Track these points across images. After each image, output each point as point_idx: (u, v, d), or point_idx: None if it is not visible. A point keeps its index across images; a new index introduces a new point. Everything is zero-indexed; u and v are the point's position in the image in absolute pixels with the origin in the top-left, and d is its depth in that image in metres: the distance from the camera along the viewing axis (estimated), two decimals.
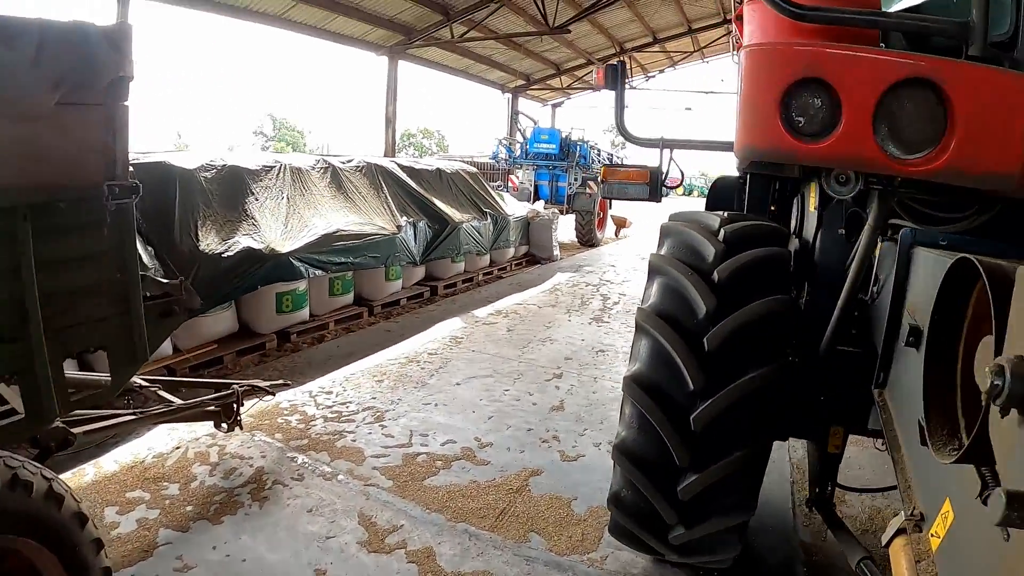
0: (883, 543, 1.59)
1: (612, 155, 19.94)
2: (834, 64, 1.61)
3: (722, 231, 2.61)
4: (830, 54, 1.63)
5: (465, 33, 15.88)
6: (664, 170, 2.41)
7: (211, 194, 5.42)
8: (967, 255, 1.12)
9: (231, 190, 5.67)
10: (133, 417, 2.89)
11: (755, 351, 2.30)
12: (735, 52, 6.74)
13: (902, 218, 1.94)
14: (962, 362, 1.18)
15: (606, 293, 9.83)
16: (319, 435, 4.26)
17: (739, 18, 2.18)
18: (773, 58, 1.69)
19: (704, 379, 2.27)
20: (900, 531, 1.53)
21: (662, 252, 2.66)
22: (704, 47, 23.67)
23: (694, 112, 27.66)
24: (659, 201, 2.64)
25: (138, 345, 2.29)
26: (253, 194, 5.86)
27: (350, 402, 4.84)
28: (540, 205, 12.94)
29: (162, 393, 3.35)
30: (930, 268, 1.72)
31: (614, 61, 2.39)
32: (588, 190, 15.42)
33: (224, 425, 3.57)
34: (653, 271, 2.57)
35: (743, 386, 2.24)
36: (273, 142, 54.61)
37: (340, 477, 3.74)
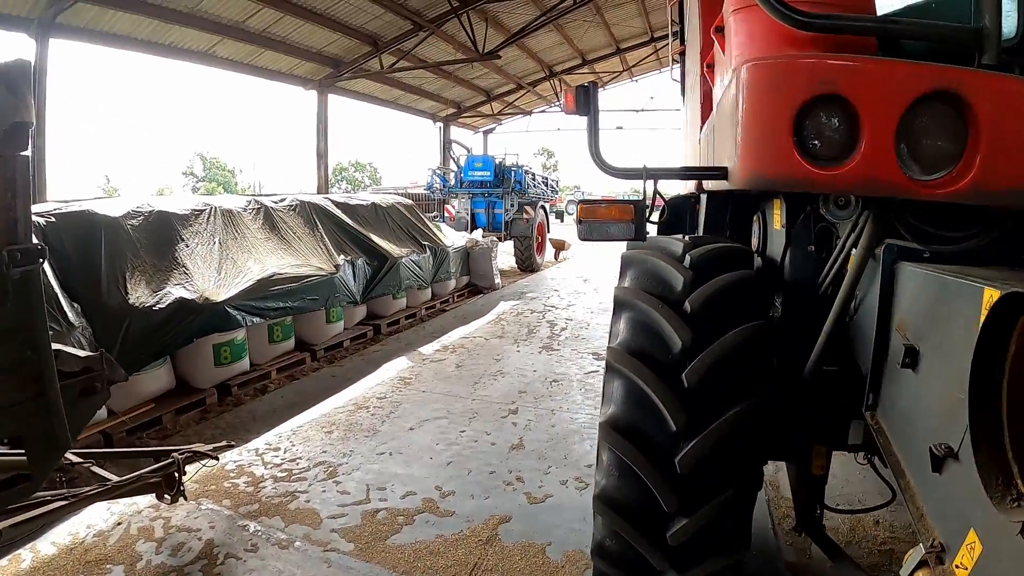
0: None
1: (547, 178, 19.97)
2: (853, 78, 1.45)
3: (687, 257, 2.48)
4: (848, 67, 1.47)
5: (394, 63, 15.74)
6: (648, 204, 2.23)
7: (139, 243, 5.10)
8: (1017, 290, 1.03)
9: (160, 237, 5.35)
10: (66, 502, 2.59)
11: (737, 382, 2.18)
12: (673, 67, 6.79)
13: (897, 237, 1.82)
14: (1009, 402, 1.10)
15: (552, 320, 9.74)
16: (270, 498, 3.97)
17: (718, 30, 2.03)
18: (783, 73, 1.51)
19: (686, 418, 2.12)
20: (922, 563, 1.45)
21: (625, 284, 2.51)
22: (632, 66, 24.18)
23: (625, 131, 28.00)
24: (644, 240, 2.45)
25: (58, 432, 2.00)
26: (183, 240, 5.54)
27: (300, 458, 4.56)
28: (478, 234, 12.84)
29: (96, 469, 3.04)
30: (920, 284, 1.64)
31: (585, 82, 2.19)
32: (525, 215, 15.41)
33: (167, 496, 3.27)
34: (620, 305, 2.41)
35: (729, 421, 2.11)
36: (204, 183, 53.32)
37: (297, 544, 3.47)
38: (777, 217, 2.56)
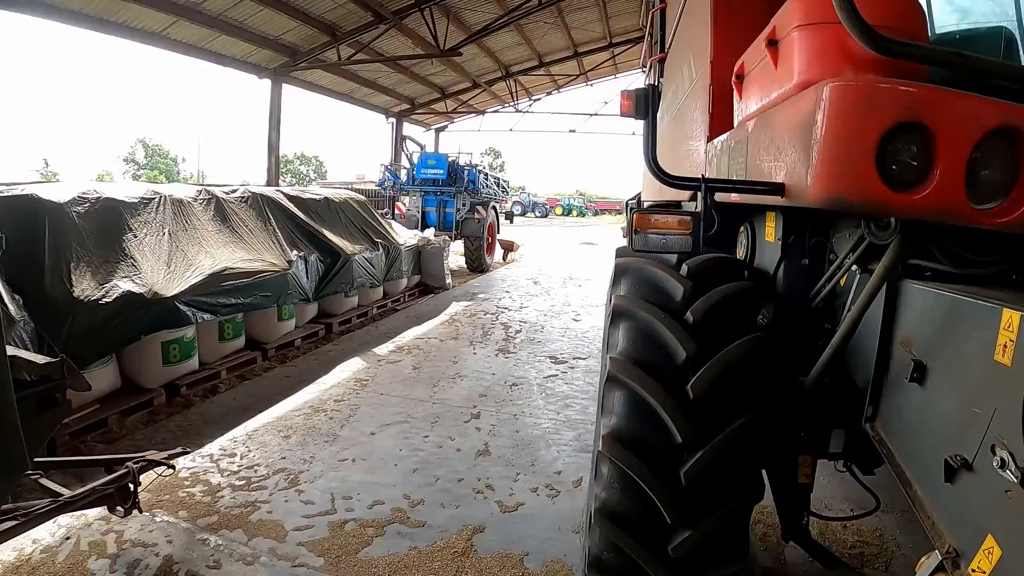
0: None
1: (499, 179, 19.82)
2: (936, 107, 1.45)
3: (684, 266, 2.49)
4: (932, 96, 1.46)
5: (352, 55, 15.30)
6: (704, 217, 2.16)
7: (85, 232, 4.73)
8: None
9: (107, 227, 4.98)
10: (15, 523, 2.31)
11: (741, 394, 2.19)
12: (648, 69, 6.84)
13: (928, 259, 1.81)
14: None
15: (506, 322, 9.63)
16: (229, 508, 3.70)
17: (772, 43, 1.97)
18: (871, 97, 1.48)
19: (692, 431, 2.12)
20: (939, 568, 1.51)
21: (621, 292, 2.51)
22: (589, 71, 24.31)
23: (577, 134, 28.22)
24: (700, 252, 2.41)
25: (14, 452, 1.74)
26: (131, 230, 5.18)
27: (258, 464, 4.29)
28: (430, 232, 12.61)
29: (45, 481, 2.75)
30: (927, 302, 1.70)
31: (644, 85, 2.10)
32: (477, 215, 15.28)
33: (120, 509, 2.99)
34: (620, 314, 2.40)
35: (734, 433, 2.13)
36: (145, 170, 51.41)
37: (263, 559, 3.23)
38: (770, 230, 2.58)
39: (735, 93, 2.49)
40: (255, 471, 4.20)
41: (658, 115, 5.44)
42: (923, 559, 1.58)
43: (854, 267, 2.11)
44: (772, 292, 2.58)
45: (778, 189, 1.82)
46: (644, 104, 2.10)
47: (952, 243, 1.75)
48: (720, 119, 2.51)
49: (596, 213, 65.31)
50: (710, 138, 2.74)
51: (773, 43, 1.97)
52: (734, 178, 2.23)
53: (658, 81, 5.18)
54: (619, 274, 2.65)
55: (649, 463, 2.15)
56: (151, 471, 3.27)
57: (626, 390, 2.24)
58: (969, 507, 1.43)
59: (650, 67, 5.53)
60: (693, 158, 3.51)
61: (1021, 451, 1.25)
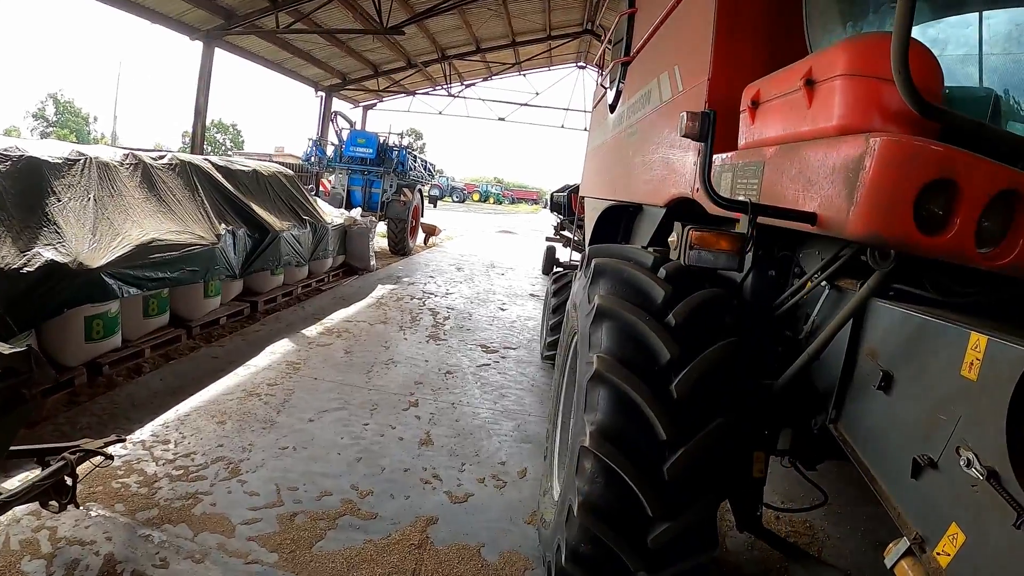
0: (888, 565, 1.74)
1: (427, 162, 19.46)
2: (966, 168, 1.68)
3: (662, 270, 2.66)
4: (963, 158, 1.68)
5: (291, 24, 14.63)
6: (750, 238, 2.26)
7: (5, 192, 4.29)
8: None
9: (28, 188, 4.53)
10: None
11: (718, 395, 2.35)
12: (601, 69, 6.90)
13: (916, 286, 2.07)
14: None
15: (433, 308, 9.53)
16: (170, 501, 3.45)
17: (809, 83, 2.11)
18: (917, 154, 1.68)
19: (675, 429, 2.26)
20: (907, 552, 1.70)
21: (601, 292, 2.63)
22: (524, 61, 24.30)
23: (507, 122, 28.26)
24: (741, 271, 2.52)
25: None
26: (55, 194, 4.71)
27: (195, 453, 4.03)
28: (356, 212, 12.27)
29: None
30: (895, 320, 1.92)
31: (699, 108, 2.18)
32: (403, 197, 14.98)
33: (55, 504, 2.72)
34: (603, 315, 2.51)
35: (713, 432, 2.28)
36: (55, 128, 47.78)
37: (213, 556, 3.03)
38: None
39: (747, 116, 2.60)
40: (192, 460, 3.94)
41: (614, 117, 5.50)
42: (891, 545, 1.75)
43: (824, 283, 2.32)
44: (739, 299, 2.74)
45: (810, 218, 1.98)
46: (704, 127, 2.20)
47: (936, 274, 2.01)
48: (718, 136, 2.63)
49: (512, 201, 65.66)
50: (708, 155, 2.87)
51: (811, 83, 2.10)
52: (740, 198, 2.36)
53: (618, 84, 5.22)
54: (598, 274, 2.75)
55: (633, 459, 2.26)
56: (86, 461, 2.99)
57: (612, 388, 2.32)
58: (934, 499, 1.63)
59: (611, 68, 5.55)
60: (663, 166, 3.62)
61: (985, 453, 1.45)
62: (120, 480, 3.60)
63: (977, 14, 2.22)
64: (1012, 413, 1.37)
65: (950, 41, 2.28)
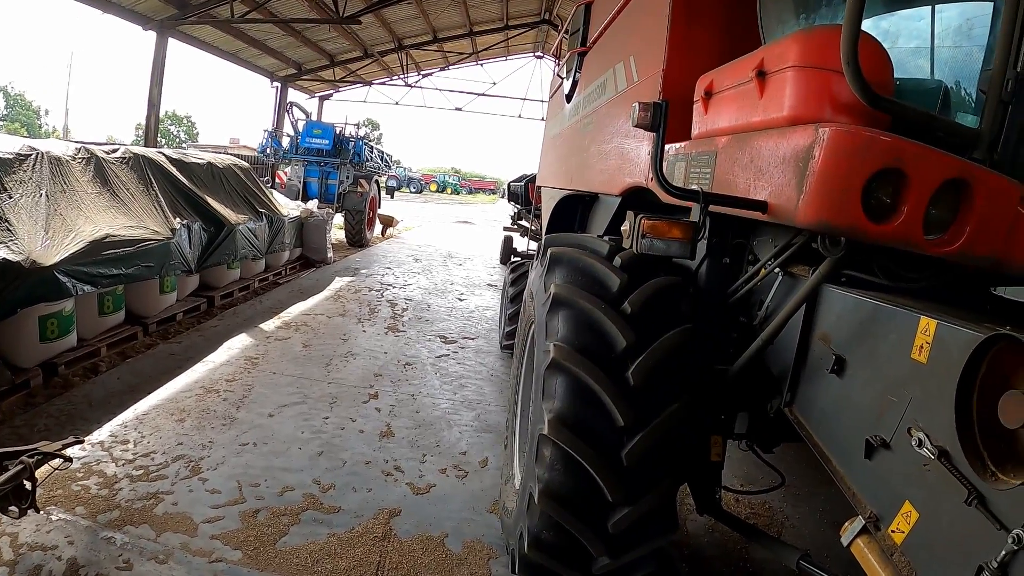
0: (844, 543, 1.80)
1: (383, 152, 19.27)
2: (913, 157, 1.73)
3: (618, 259, 2.69)
4: (911, 147, 1.73)
5: (246, 13, 14.32)
6: (701, 226, 2.30)
7: None
8: (1015, 335, 1.30)
9: None
10: None
11: (674, 381, 2.38)
12: (558, 59, 6.97)
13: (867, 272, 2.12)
14: (978, 409, 1.40)
15: (392, 299, 9.52)
16: (131, 502, 3.43)
17: (761, 74, 2.14)
18: (866, 144, 1.73)
19: (633, 415, 2.29)
20: (863, 531, 1.76)
21: (557, 281, 2.63)
22: (481, 51, 24.17)
23: (464, 112, 28.18)
24: (693, 259, 2.53)
25: None
26: (6, 190, 4.60)
27: (154, 452, 4.00)
28: (313, 204, 12.15)
29: None
30: (847, 305, 1.98)
31: (653, 99, 2.20)
32: (360, 189, 14.85)
33: (14, 509, 2.70)
34: (560, 303, 2.52)
35: (670, 417, 2.31)
36: (5, 122, 45.97)
37: (176, 556, 3.03)
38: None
39: (700, 106, 2.65)
40: (152, 459, 3.92)
41: (571, 107, 5.56)
42: (847, 524, 1.81)
43: (777, 270, 2.37)
44: (694, 286, 2.79)
45: (761, 206, 2.02)
46: (656, 118, 2.21)
47: (886, 261, 2.05)
48: (672, 127, 2.67)
49: (470, 191, 65.50)
50: (662, 145, 2.93)
51: (762, 74, 2.15)
52: (693, 187, 2.39)
53: (575, 74, 5.27)
54: (554, 263, 2.75)
55: (592, 445, 2.28)
56: (45, 464, 2.97)
57: (569, 376, 2.35)
58: (887, 479, 1.69)
59: (568, 58, 5.61)
60: (618, 156, 3.67)
61: (935, 433, 1.51)
62: (80, 482, 3.57)
63: (930, 8, 2.27)
64: (961, 394, 1.41)
65: (903, 34, 2.34)
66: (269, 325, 7.40)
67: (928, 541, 1.53)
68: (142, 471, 3.76)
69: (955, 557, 1.43)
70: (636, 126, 2.24)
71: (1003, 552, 1.29)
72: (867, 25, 2.29)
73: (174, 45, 14.64)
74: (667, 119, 2.21)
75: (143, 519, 3.30)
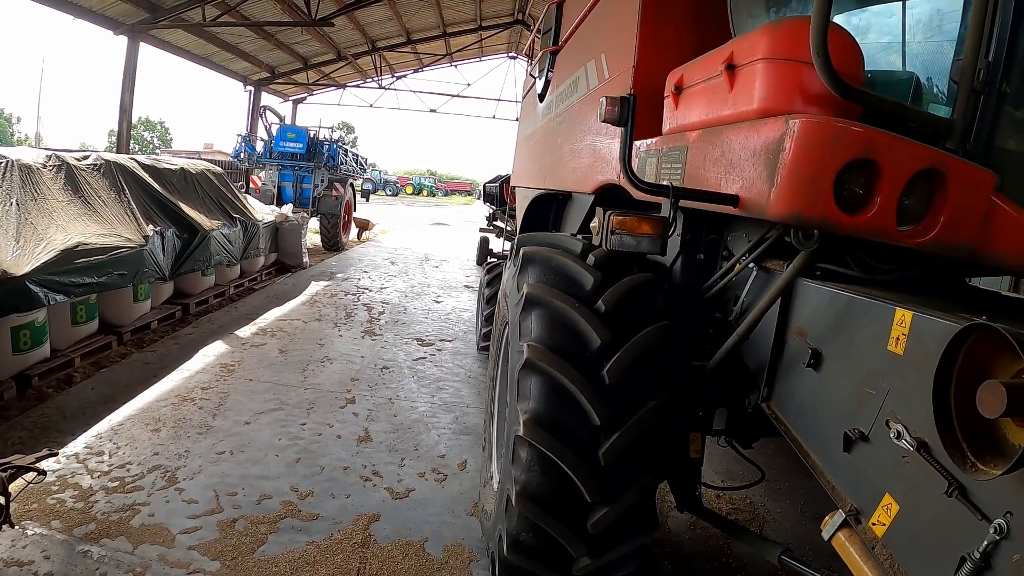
0: (826, 537, 1.80)
1: (358, 155, 19.14)
2: (886, 148, 1.70)
3: (591, 257, 2.68)
4: (883, 138, 1.71)
5: (218, 17, 14.21)
6: (672, 222, 2.26)
7: None
8: (991, 325, 1.29)
9: None
10: None
11: (651, 378, 2.37)
12: (531, 59, 7.02)
13: (842, 265, 2.10)
14: (956, 400, 1.38)
15: (368, 303, 9.51)
16: (107, 514, 3.40)
17: (730, 67, 2.12)
18: (837, 135, 1.70)
19: (609, 413, 2.27)
20: (844, 524, 1.76)
21: (531, 280, 2.61)
22: (455, 52, 24.15)
23: (438, 114, 28.20)
24: (665, 254, 2.52)
25: None
26: None
27: (130, 463, 3.97)
28: (288, 208, 12.08)
29: None
30: (822, 299, 1.98)
31: (627, 94, 2.18)
32: (335, 192, 14.79)
33: None
34: (533, 303, 2.50)
35: (647, 415, 2.30)
36: None
37: (154, 568, 3.02)
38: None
39: (671, 102, 2.63)
40: (128, 470, 3.88)
41: (543, 106, 5.59)
42: (827, 518, 1.81)
43: (751, 265, 2.36)
44: (669, 283, 2.79)
45: (732, 200, 2.00)
46: (624, 112, 2.19)
47: (860, 253, 2.04)
48: (644, 123, 2.64)
49: (446, 193, 65.38)
50: (630, 140, 2.94)
51: (732, 67, 2.13)
52: (664, 182, 2.40)
53: (547, 73, 5.30)
54: (526, 262, 2.73)
55: (569, 445, 2.26)
56: (19, 478, 2.94)
57: (544, 376, 2.33)
58: (867, 472, 1.69)
59: (540, 58, 5.63)
60: (590, 153, 3.66)
61: (914, 425, 1.51)
62: (55, 496, 3.53)
63: (900, 3, 2.27)
64: (938, 385, 1.40)
65: (873, 29, 2.33)
66: (245, 331, 7.37)
67: (910, 533, 1.53)
68: (118, 483, 3.73)
69: (937, 548, 1.44)
70: (604, 121, 2.21)
71: (985, 542, 1.29)
72: (839, 20, 2.32)
73: (146, 50, 14.52)
74: (635, 113, 2.19)
75: (120, 531, 3.27)
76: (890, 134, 1.72)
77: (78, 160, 6.26)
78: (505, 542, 2.48)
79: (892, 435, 1.56)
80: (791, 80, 1.93)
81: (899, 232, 1.76)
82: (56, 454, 3.32)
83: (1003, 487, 1.28)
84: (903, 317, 1.58)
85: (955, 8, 2.05)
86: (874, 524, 1.63)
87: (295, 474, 4.06)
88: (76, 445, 4.16)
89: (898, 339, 1.60)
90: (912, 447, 1.49)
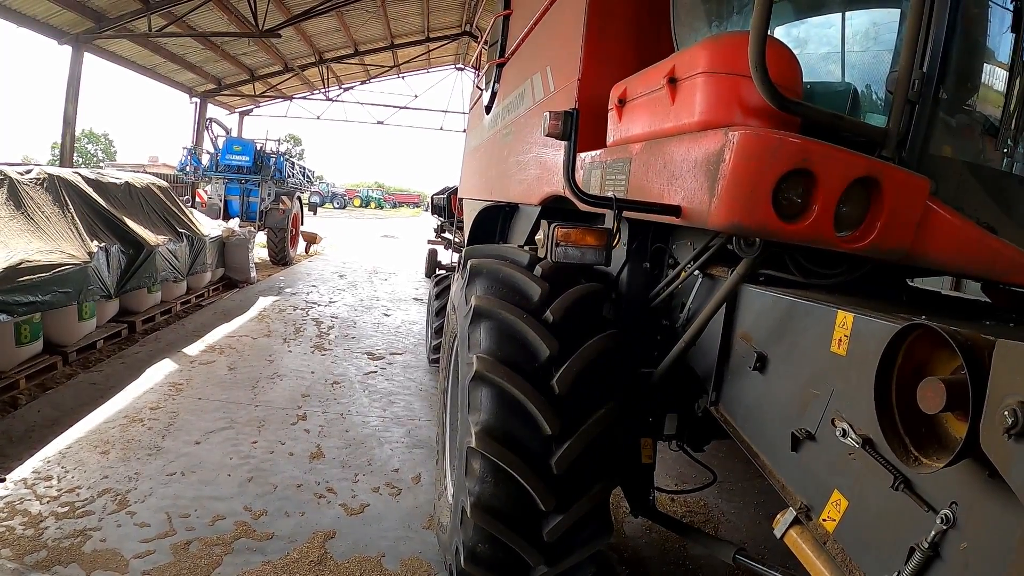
0: (778, 536, 1.84)
1: (304, 168, 18.95)
2: (822, 158, 1.76)
3: (538, 268, 2.74)
4: (819, 149, 1.77)
5: (164, 27, 13.98)
6: (615, 232, 2.35)
7: None
8: (928, 324, 1.33)
9: None
10: None
11: (600, 387, 2.42)
12: (478, 71, 7.12)
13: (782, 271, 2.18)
14: (898, 397, 1.42)
15: (317, 317, 9.49)
16: (58, 541, 3.35)
17: (672, 80, 2.18)
18: (773, 146, 1.76)
19: (559, 423, 2.32)
20: (795, 521, 1.81)
21: (478, 292, 2.66)
22: (402, 63, 24.10)
23: (386, 125, 28.10)
24: (609, 265, 2.57)
25: None
26: None
27: (79, 487, 3.91)
28: (235, 223, 11.93)
29: None
30: (765, 303, 2.04)
31: (569, 108, 2.25)
32: (282, 205, 14.63)
33: None
34: (481, 315, 2.55)
35: (597, 422, 2.36)
36: None
37: None
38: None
39: (615, 114, 2.69)
40: (77, 494, 3.83)
41: (490, 118, 5.67)
42: (779, 516, 1.87)
43: (696, 272, 2.42)
44: (616, 292, 2.86)
45: (674, 211, 2.07)
46: (567, 127, 2.24)
47: (801, 259, 2.13)
48: (588, 135, 2.71)
49: (394, 206, 65.18)
50: (572, 152, 3.01)
51: (673, 81, 2.19)
52: (608, 194, 2.45)
53: (494, 85, 5.38)
54: (474, 275, 2.77)
55: (521, 455, 2.31)
56: None
57: (494, 388, 2.37)
58: (815, 470, 1.75)
59: (487, 69, 5.71)
60: (536, 165, 3.71)
61: (858, 423, 1.57)
62: (4, 523, 3.46)
63: (840, 15, 2.35)
64: (880, 383, 1.43)
65: (812, 40, 2.40)
66: (193, 349, 7.27)
67: (859, 527, 1.58)
68: (68, 507, 3.68)
69: (887, 540, 1.48)
70: (548, 135, 2.25)
71: (933, 532, 1.34)
72: (779, 33, 2.42)
73: (90, 60, 14.24)
74: (578, 127, 2.24)
75: (72, 558, 3.23)
76: (826, 144, 1.79)
77: (21, 174, 6.13)
78: (462, 554, 2.51)
79: (838, 433, 1.61)
80: (731, 93, 2.00)
81: (837, 238, 1.84)
82: (3, 480, 3.27)
83: (947, 479, 1.33)
84: (844, 319, 1.64)
85: (892, 20, 2.16)
86: (824, 520, 1.68)
87: (248, 493, 4.05)
88: (24, 470, 4.08)
89: (840, 340, 1.65)
90: (857, 444, 1.54)
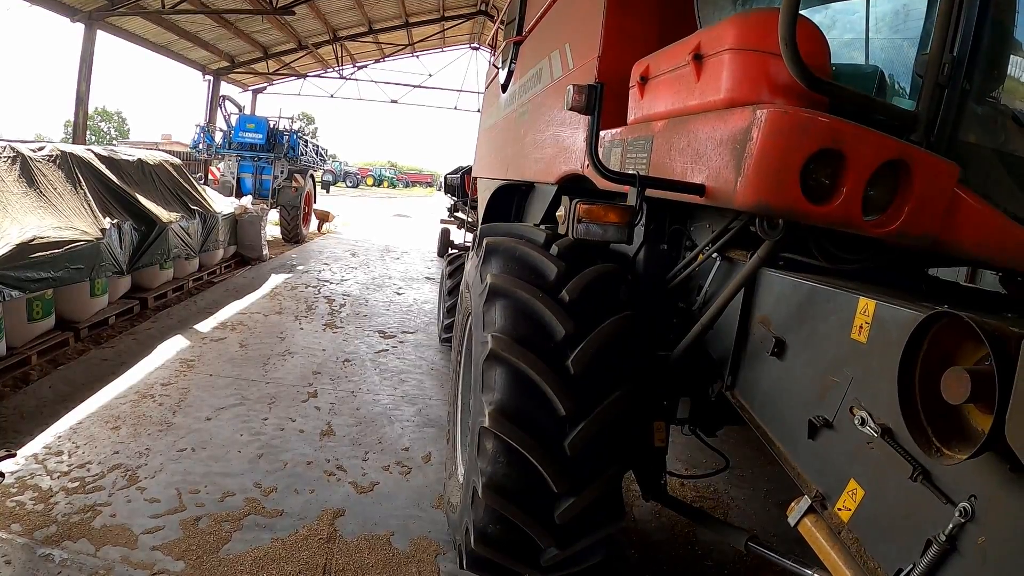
0: (792, 523, 1.82)
1: (318, 146, 18.89)
2: (852, 138, 1.72)
3: (555, 247, 2.69)
4: (849, 129, 1.72)
5: (178, 3, 13.90)
6: (639, 210, 2.30)
7: None
8: (956, 313, 1.30)
9: None
10: None
11: (615, 368, 2.39)
12: (494, 49, 7.05)
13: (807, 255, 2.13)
14: (920, 386, 1.40)
15: (329, 295, 9.48)
16: (67, 516, 3.35)
17: (697, 57, 2.13)
18: (804, 125, 1.72)
19: (574, 404, 2.29)
20: (809, 510, 1.79)
21: (494, 271, 2.62)
22: (417, 42, 23.97)
23: (400, 104, 28.05)
24: (631, 243, 2.54)
25: None
26: None
27: (90, 462, 3.91)
28: (247, 200, 11.92)
29: None
30: (786, 288, 2.01)
31: (593, 82, 2.20)
32: (295, 183, 14.60)
33: None
34: (497, 293, 2.50)
35: (612, 405, 2.32)
36: None
37: (117, 570, 2.99)
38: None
39: (636, 92, 2.65)
40: (88, 470, 3.83)
41: (506, 97, 5.61)
42: (793, 504, 1.85)
43: (715, 255, 2.39)
44: (632, 273, 2.80)
45: (699, 190, 2.02)
46: (590, 100, 2.20)
47: (823, 242, 2.06)
48: (608, 113, 2.65)
49: (407, 185, 65.12)
50: (596, 129, 2.97)
51: (699, 57, 2.14)
52: (629, 171, 2.41)
53: (510, 64, 5.31)
54: (490, 253, 2.74)
55: (534, 436, 2.28)
56: None
57: (509, 367, 2.33)
58: (831, 458, 1.73)
59: (503, 48, 5.63)
60: (554, 144, 3.66)
61: (878, 411, 1.55)
62: (14, 498, 3.46)
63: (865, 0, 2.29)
64: (903, 372, 1.41)
65: (837, 25, 2.38)
66: (204, 326, 7.28)
67: (875, 517, 1.56)
68: (78, 483, 3.68)
69: (903, 532, 1.47)
70: (571, 109, 2.22)
71: (951, 525, 1.32)
72: (805, 14, 2.38)
73: (103, 38, 14.18)
74: (602, 102, 2.20)
75: (81, 533, 3.23)
76: (856, 125, 1.74)
77: (33, 151, 6.11)
78: (472, 534, 2.48)
79: (856, 422, 1.59)
80: (759, 70, 1.95)
81: (864, 222, 1.80)
82: (14, 455, 3.27)
83: (968, 471, 1.31)
84: (866, 306, 1.61)
85: (918, 6, 2.11)
86: (840, 509, 1.66)
87: (258, 470, 4.05)
88: (34, 445, 4.08)
89: (861, 327, 1.62)
90: (876, 433, 1.53)
